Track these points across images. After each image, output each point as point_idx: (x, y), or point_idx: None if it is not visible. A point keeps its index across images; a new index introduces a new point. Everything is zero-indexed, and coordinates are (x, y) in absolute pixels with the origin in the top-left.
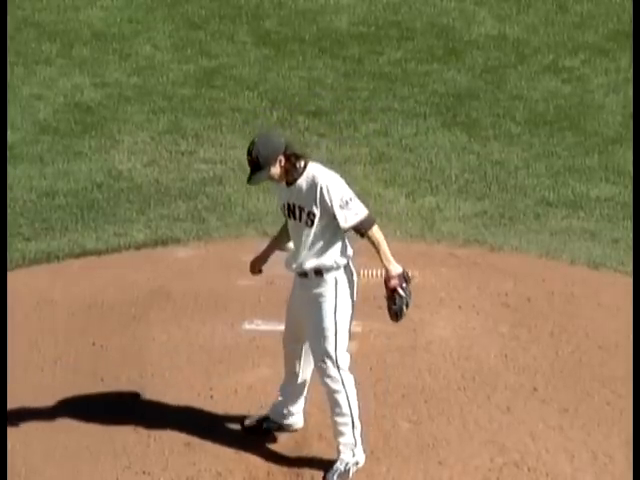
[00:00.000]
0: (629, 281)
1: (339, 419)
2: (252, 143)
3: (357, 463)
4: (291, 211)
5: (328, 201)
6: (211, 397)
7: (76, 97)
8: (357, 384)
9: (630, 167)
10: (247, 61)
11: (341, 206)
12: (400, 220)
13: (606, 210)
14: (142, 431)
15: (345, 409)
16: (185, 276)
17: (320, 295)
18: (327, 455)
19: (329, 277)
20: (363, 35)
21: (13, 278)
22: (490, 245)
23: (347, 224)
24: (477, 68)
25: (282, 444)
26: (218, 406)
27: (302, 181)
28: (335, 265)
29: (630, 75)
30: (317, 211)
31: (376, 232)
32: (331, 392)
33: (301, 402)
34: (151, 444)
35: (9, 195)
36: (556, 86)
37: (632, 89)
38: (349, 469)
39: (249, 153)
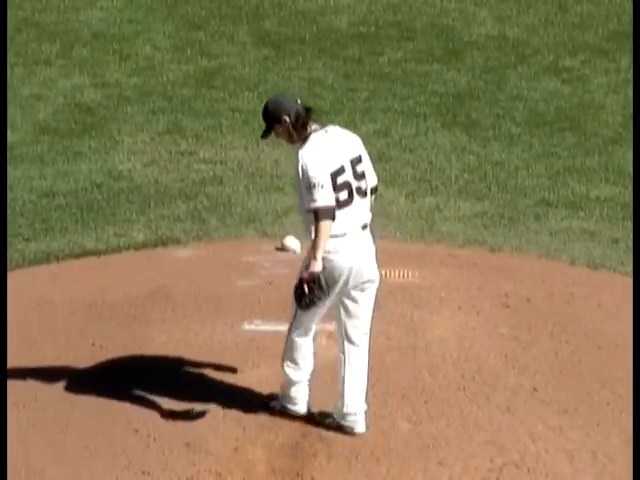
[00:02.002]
0: (629, 281)
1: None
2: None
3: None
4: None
5: (300, 179)
6: (211, 397)
7: (76, 97)
8: None
9: (630, 167)
10: (247, 61)
11: (307, 188)
12: (400, 220)
13: (606, 210)
14: (142, 431)
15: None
16: (185, 276)
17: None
18: (327, 455)
19: (306, 251)
20: (363, 35)
21: (13, 278)
22: (490, 245)
23: (306, 206)
24: (477, 68)
25: (282, 444)
26: (218, 406)
27: (297, 149)
28: (311, 239)
29: (630, 75)
30: (296, 183)
31: (323, 226)
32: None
33: (359, 400)
34: (151, 444)
35: (9, 195)
36: (556, 86)
37: (632, 89)
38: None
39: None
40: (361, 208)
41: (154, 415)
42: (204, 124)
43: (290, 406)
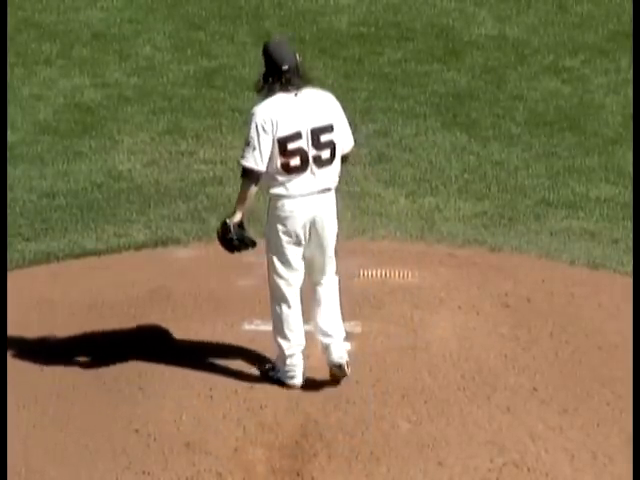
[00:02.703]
0: (629, 281)
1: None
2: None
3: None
4: None
5: (245, 132)
6: (211, 397)
7: (76, 97)
8: (357, 384)
9: (630, 167)
10: (247, 61)
11: (245, 142)
12: (400, 220)
13: (606, 210)
14: (142, 431)
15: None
16: (185, 276)
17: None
18: (327, 455)
19: (269, 200)
20: (363, 35)
21: (13, 278)
22: (490, 245)
23: (238, 158)
24: (477, 68)
25: (282, 444)
26: (218, 406)
27: (256, 101)
28: (267, 190)
29: (630, 75)
30: None
31: (244, 184)
32: None
33: (337, 329)
34: (151, 444)
35: (9, 195)
36: (556, 86)
37: (632, 89)
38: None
39: None
40: (320, 175)
41: (154, 415)
42: (204, 124)
43: (287, 380)
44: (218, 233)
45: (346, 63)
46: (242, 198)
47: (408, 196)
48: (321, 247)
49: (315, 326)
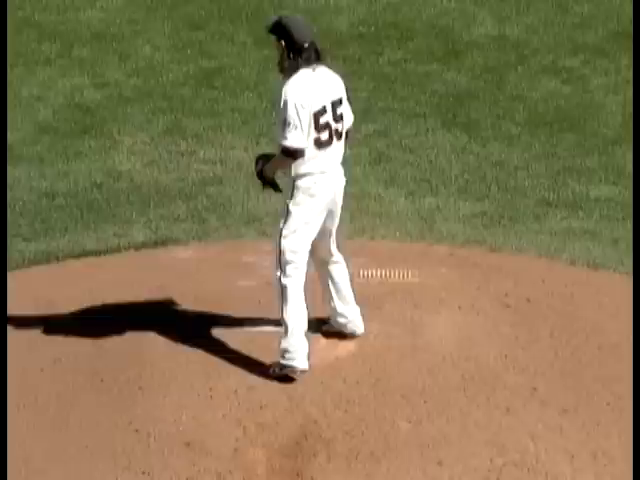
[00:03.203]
0: (629, 281)
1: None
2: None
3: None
4: None
5: (279, 113)
6: (211, 397)
7: (76, 98)
8: (357, 384)
9: (630, 167)
10: (247, 61)
11: (282, 123)
12: (400, 220)
13: (606, 210)
14: (142, 431)
15: (283, 319)
16: (185, 276)
17: (287, 196)
18: (327, 455)
19: (292, 180)
20: (363, 35)
21: (13, 278)
22: (490, 245)
23: (277, 139)
24: (477, 68)
25: (282, 444)
26: (218, 406)
27: (283, 81)
28: (293, 172)
29: (630, 76)
30: (276, 113)
31: (283, 161)
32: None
33: (353, 307)
34: (151, 444)
35: (9, 195)
36: (556, 86)
37: (632, 90)
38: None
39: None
40: (338, 149)
41: (154, 415)
42: (204, 124)
43: (291, 362)
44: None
45: (346, 63)
46: (276, 167)
47: (408, 196)
48: (333, 220)
49: (332, 309)
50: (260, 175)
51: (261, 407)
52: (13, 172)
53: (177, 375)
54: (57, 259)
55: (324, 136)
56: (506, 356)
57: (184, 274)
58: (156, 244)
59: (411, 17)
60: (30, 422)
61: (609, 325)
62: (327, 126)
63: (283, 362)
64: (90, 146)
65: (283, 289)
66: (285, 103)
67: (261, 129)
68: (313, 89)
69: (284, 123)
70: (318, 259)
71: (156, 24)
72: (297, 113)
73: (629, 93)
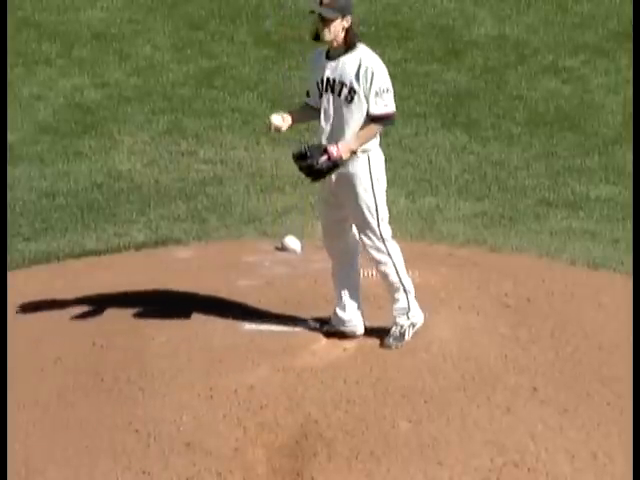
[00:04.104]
0: (629, 281)
1: (390, 287)
2: None
3: (413, 325)
4: (330, 86)
5: (368, 83)
6: (211, 397)
7: (76, 97)
8: (357, 384)
9: (630, 167)
10: (247, 61)
11: (377, 93)
12: (400, 220)
13: (606, 210)
14: (142, 431)
15: (393, 277)
16: (185, 276)
17: (355, 175)
18: (327, 455)
19: (363, 156)
20: (363, 35)
21: (13, 278)
22: (490, 245)
23: (374, 111)
24: (477, 68)
25: (282, 444)
26: (218, 406)
27: (348, 58)
28: (369, 144)
29: (630, 75)
30: (359, 89)
31: (378, 130)
32: (378, 263)
33: (356, 308)
34: (151, 444)
35: (9, 195)
36: (556, 86)
37: (632, 89)
38: (404, 331)
39: None
40: None
41: (154, 415)
42: (204, 124)
43: (417, 319)
44: (328, 160)
45: None
46: (366, 141)
47: (408, 196)
48: None
49: (341, 305)
50: (315, 167)
51: (261, 407)
52: (13, 172)
53: (177, 375)
54: (57, 259)
55: None
56: (506, 356)
57: (184, 274)
58: (156, 244)
59: (411, 17)
60: (30, 422)
61: (609, 325)
62: None
63: (413, 320)
64: (90, 146)
65: (390, 253)
66: (376, 71)
67: (261, 129)
68: None
69: (380, 91)
70: (348, 252)
71: (156, 24)
72: (389, 79)
73: (629, 93)
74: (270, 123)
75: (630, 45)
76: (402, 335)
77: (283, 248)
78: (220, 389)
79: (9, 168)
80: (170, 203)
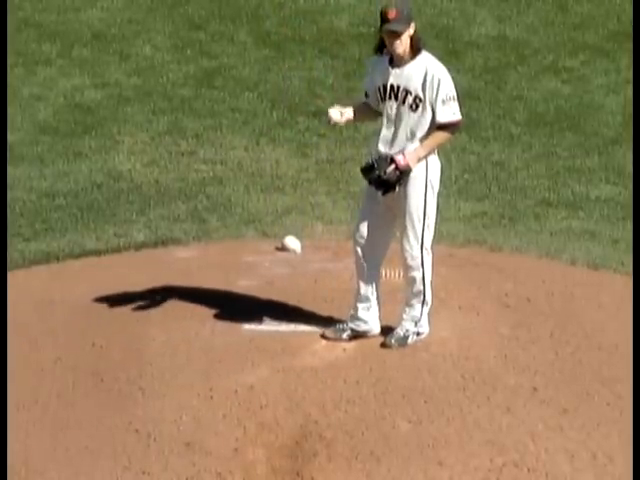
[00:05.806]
0: (629, 281)
1: (411, 294)
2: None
3: (418, 334)
4: (394, 93)
5: (434, 91)
6: (211, 397)
7: (76, 97)
8: (357, 384)
9: (630, 167)
10: (247, 61)
11: (444, 100)
12: None
13: (606, 210)
14: (142, 431)
15: (419, 286)
16: (185, 276)
17: (410, 178)
18: (327, 455)
19: (422, 161)
20: (363, 35)
21: (13, 278)
22: (490, 245)
23: (441, 119)
24: (477, 68)
25: (282, 444)
26: (218, 406)
27: (414, 65)
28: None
29: (630, 75)
30: (424, 97)
31: (446, 139)
32: (409, 269)
33: (376, 308)
34: (151, 444)
35: (9, 195)
36: (556, 86)
37: (632, 89)
38: (408, 336)
39: (390, 7)
40: None
41: (154, 415)
42: (204, 124)
43: (425, 329)
44: (395, 169)
45: (346, 63)
46: (435, 146)
47: None
48: None
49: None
50: (382, 177)
51: (261, 407)
52: (13, 172)
53: (177, 375)
54: (57, 259)
55: None
56: (506, 356)
57: (184, 274)
58: (156, 244)
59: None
60: (30, 422)
61: (609, 325)
62: None
63: (420, 330)
64: (90, 146)
65: (424, 263)
66: (442, 79)
67: (261, 129)
68: None
69: (447, 99)
70: (381, 253)
71: (156, 24)
72: (453, 85)
73: (629, 93)
74: (329, 117)
75: (630, 45)
76: (405, 338)
77: (283, 248)
78: (220, 389)
79: (9, 168)
80: (170, 203)
